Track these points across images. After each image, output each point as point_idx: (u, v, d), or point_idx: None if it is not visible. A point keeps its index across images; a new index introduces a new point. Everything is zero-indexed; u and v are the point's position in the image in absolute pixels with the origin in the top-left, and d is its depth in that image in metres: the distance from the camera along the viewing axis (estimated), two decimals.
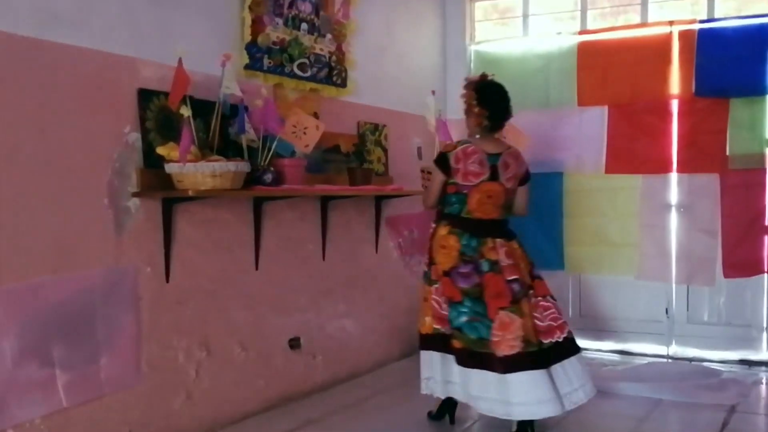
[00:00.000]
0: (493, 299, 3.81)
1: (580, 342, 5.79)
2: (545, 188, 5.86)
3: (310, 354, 4.71)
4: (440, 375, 3.97)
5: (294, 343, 4.56)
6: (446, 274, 3.88)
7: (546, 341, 3.84)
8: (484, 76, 4.08)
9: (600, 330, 5.92)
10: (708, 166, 5.41)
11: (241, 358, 4.19)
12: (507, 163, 3.98)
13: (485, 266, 3.86)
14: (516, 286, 3.85)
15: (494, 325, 3.77)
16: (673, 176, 5.57)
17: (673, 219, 5.59)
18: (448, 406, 4.14)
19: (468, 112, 4.03)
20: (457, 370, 3.87)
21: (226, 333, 4.09)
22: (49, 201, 3.17)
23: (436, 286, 3.95)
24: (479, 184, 3.90)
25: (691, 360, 5.55)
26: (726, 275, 5.42)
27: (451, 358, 3.90)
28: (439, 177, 3.96)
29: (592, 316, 5.97)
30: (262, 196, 4.07)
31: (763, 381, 5.05)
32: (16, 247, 3.04)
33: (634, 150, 5.61)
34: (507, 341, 3.73)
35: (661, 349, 5.72)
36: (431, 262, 4.00)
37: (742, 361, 5.45)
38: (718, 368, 5.27)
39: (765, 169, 5.28)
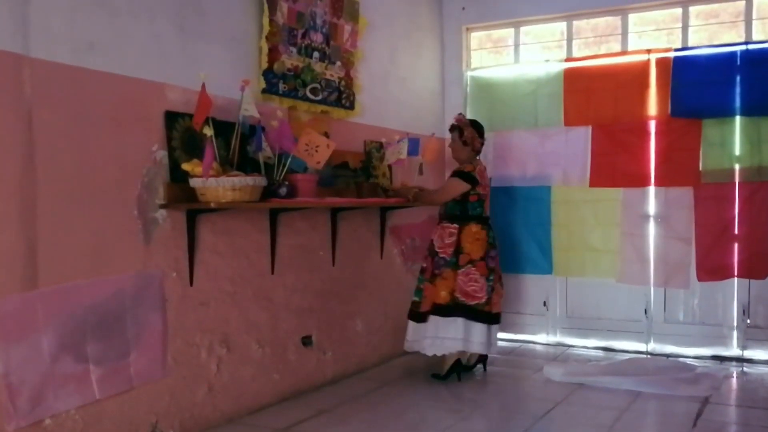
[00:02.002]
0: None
1: (568, 339, 5.86)
2: (535, 200, 5.86)
3: (321, 350, 4.69)
4: (462, 334, 4.70)
5: (306, 341, 4.54)
6: (481, 258, 4.73)
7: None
8: (464, 117, 5.00)
9: (585, 329, 5.88)
10: (683, 180, 5.39)
11: (258, 354, 4.17)
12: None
13: (497, 250, 4.91)
14: None
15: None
16: (651, 189, 5.54)
17: (651, 228, 5.56)
18: (460, 366, 4.85)
19: (470, 144, 4.86)
20: (482, 329, 4.75)
21: (244, 331, 4.07)
22: (84, 212, 3.17)
23: (465, 269, 4.71)
24: (488, 192, 4.90)
25: (668, 356, 5.50)
26: (699, 279, 5.39)
27: (472, 321, 4.72)
28: (462, 187, 4.75)
29: (577, 316, 5.93)
30: (278, 207, 4.06)
31: (734, 375, 5.00)
32: (54, 254, 3.04)
33: (615, 165, 5.58)
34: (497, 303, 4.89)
35: (641, 346, 5.67)
36: (459, 252, 4.72)
37: (715, 357, 5.41)
38: (693, 363, 5.22)
39: (734, 183, 5.25)
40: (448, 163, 5.49)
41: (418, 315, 4.81)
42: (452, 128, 4.94)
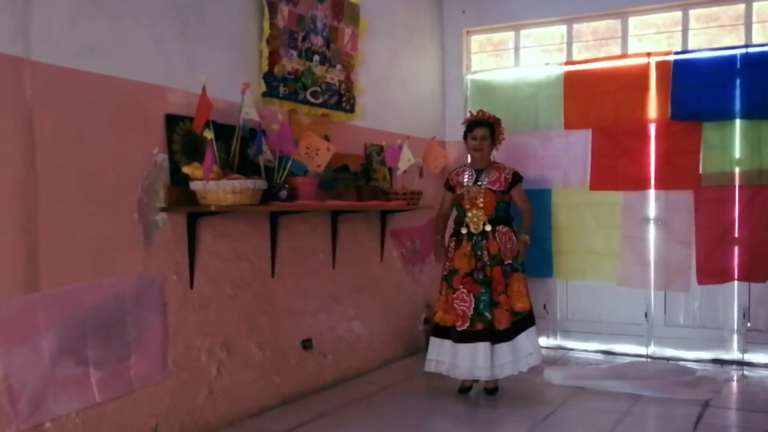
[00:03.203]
0: None
1: (568, 342, 5.86)
2: (535, 203, 5.80)
3: (322, 353, 4.69)
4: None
5: (307, 344, 4.54)
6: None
7: None
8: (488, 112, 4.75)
9: (585, 332, 5.88)
10: (683, 184, 5.39)
11: (259, 357, 4.17)
12: None
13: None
14: None
15: None
16: (652, 192, 5.54)
17: (652, 231, 5.56)
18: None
19: (500, 141, 4.75)
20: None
21: (244, 334, 4.07)
22: (85, 215, 3.18)
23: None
24: None
25: (668, 359, 5.50)
26: (700, 282, 5.38)
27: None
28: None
29: (578, 319, 5.93)
30: (278, 210, 4.07)
31: (734, 378, 4.99)
32: (55, 256, 3.04)
33: (615, 169, 5.58)
34: None
35: (641, 350, 5.67)
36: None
37: (715, 360, 5.40)
38: (693, 367, 5.22)
39: (734, 186, 5.25)
40: (449, 167, 5.47)
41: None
42: (477, 124, 4.64)
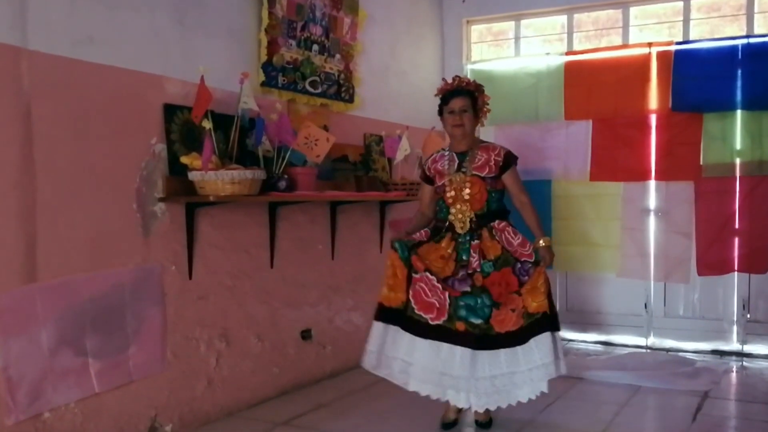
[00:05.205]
0: None
1: (567, 334, 5.87)
2: (535, 194, 5.72)
3: (321, 344, 4.70)
4: None
5: (306, 335, 4.55)
6: None
7: None
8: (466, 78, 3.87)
9: (585, 323, 5.90)
10: (684, 175, 5.39)
11: (258, 348, 4.18)
12: None
13: None
14: None
15: None
16: (652, 183, 5.54)
17: (652, 222, 5.57)
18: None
19: (483, 113, 3.79)
20: None
21: (243, 325, 4.08)
22: (83, 206, 3.18)
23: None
24: None
25: (667, 350, 5.52)
26: (700, 273, 5.40)
27: None
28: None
29: (577, 310, 5.94)
30: (277, 201, 4.07)
31: (734, 369, 5.02)
32: (53, 247, 3.05)
33: (616, 159, 5.58)
34: None
35: (641, 341, 5.69)
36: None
37: (714, 352, 5.42)
38: (693, 358, 5.24)
39: (735, 177, 5.25)
40: None
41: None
42: (455, 93, 3.69)
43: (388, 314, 3.61)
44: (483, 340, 3.45)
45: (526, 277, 3.55)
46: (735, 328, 5.43)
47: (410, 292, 3.55)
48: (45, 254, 3.01)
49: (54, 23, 3.03)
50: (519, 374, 3.52)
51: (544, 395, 4.32)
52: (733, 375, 4.90)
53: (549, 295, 3.60)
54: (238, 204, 3.93)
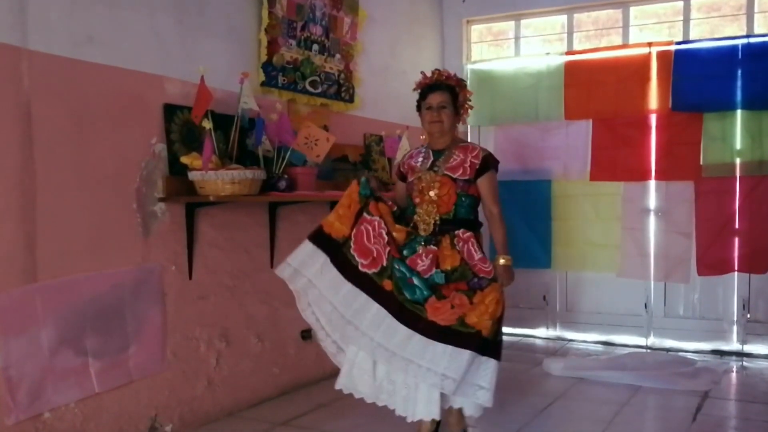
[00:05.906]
0: None
1: (567, 333, 5.87)
2: (535, 194, 5.86)
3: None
4: None
5: (306, 335, 4.54)
6: None
7: None
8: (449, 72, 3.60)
9: (585, 323, 5.90)
10: (684, 174, 5.39)
11: (258, 348, 4.18)
12: None
13: None
14: None
15: None
16: (652, 183, 5.54)
17: (652, 222, 5.57)
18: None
19: (465, 109, 3.52)
20: None
21: (243, 325, 4.08)
22: (83, 205, 3.18)
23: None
24: None
25: (667, 350, 5.52)
26: (700, 273, 5.40)
27: None
28: None
29: (577, 311, 5.95)
30: (277, 201, 4.07)
31: (734, 369, 5.02)
32: (53, 247, 3.05)
33: (616, 159, 5.58)
34: None
35: (641, 341, 5.69)
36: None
37: (715, 351, 5.43)
38: (693, 358, 5.24)
39: (735, 177, 5.25)
40: None
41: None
42: (433, 87, 3.45)
43: (323, 240, 3.33)
44: (405, 313, 3.20)
45: (478, 291, 3.24)
46: (735, 328, 5.43)
47: (353, 229, 3.31)
48: (45, 254, 3.02)
49: (54, 23, 3.04)
50: (415, 366, 3.17)
51: (545, 396, 4.34)
52: (733, 375, 4.90)
53: (497, 322, 3.23)
54: (238, 204, 3.93)
